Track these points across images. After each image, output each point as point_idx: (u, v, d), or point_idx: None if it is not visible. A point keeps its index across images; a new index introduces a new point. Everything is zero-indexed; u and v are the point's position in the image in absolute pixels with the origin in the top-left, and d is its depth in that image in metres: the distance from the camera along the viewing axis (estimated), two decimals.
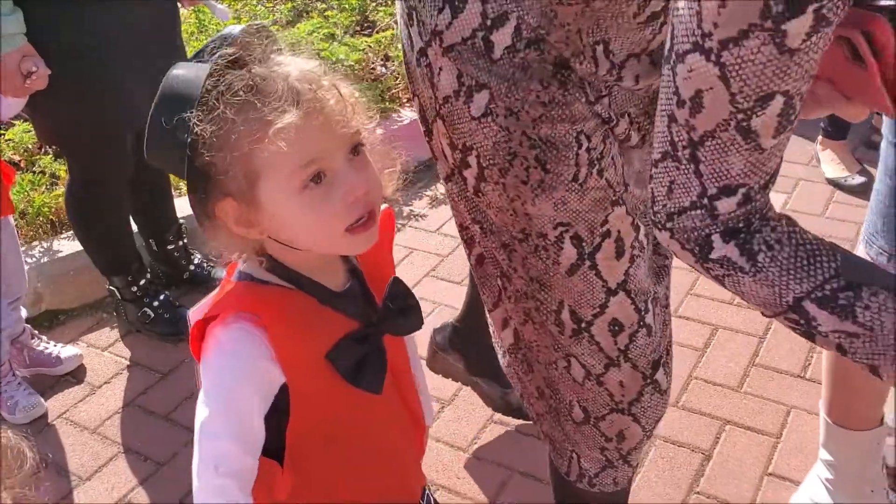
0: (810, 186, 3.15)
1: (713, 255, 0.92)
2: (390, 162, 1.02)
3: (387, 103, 3.58)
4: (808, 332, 0.91)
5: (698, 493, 1.94)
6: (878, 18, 0.84)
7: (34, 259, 2.65)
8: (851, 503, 1.74)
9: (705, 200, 0.89)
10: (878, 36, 0.85)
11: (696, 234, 0.92)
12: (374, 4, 4.15)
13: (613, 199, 1.17)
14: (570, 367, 1.29)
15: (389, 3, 4.14)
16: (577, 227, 1.16)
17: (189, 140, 0.89)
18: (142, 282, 2.52)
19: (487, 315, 1.42)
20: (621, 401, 1.30)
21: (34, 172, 2.98)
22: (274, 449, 0.98)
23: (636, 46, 1.10)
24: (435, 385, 2.29)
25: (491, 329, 1.51)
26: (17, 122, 3.09)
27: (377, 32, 3.97)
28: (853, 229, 2.83)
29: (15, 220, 2.76)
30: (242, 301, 0.95)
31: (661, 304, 1.31)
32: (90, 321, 2.65)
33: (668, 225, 0.93)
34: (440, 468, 2.05)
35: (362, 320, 1.00)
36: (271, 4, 4.17)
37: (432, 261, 2.89)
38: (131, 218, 2.57)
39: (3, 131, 3.07)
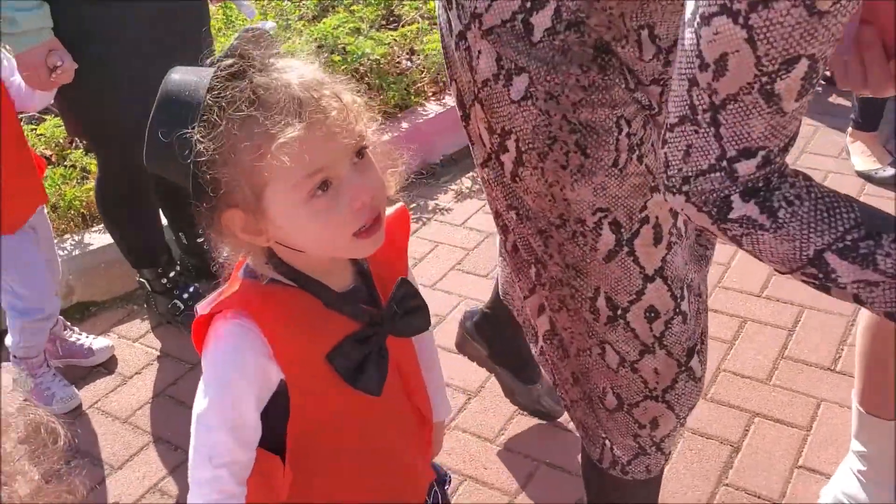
0: (840, 179, 3.11)
1: (732, 216, 0.92)
2: (392, 162, 1.00)
3: (412, 97, 3.59)
4: (825, 285, 0.92)
5: (727, 485, 1.93)
6: None
7: (66, 252, 2.68)
8: (883, 496, 1.73)
9: (724, 163, 0.90)
10: None
11: (714, 195, 0.92)
12: None
13: (652, 185, 1.16)
14: (605, 354, 1.28)
15: None
16: (616, 212, 1.16)
17: (190, 157, 0.88)
18: (171, 274, 2.55)
19: (522, 302, 1.42)
20: (655, 388, 1.29)
21: (65, 166, 3.02)
22: (276, 447, 0.99)
23: None
24: (462, 377, 2.30)
25: (520, 319, 1.51)
26: (47, 117, 3.14)
27: (403, 26, 3.98)
28: None
29: (47, 213, 2.81)
30: (246, 298, 0.96)
31: (695, 293, 1.31)
32: (121, 313, 2.68)
33: (684, 188, 0.93)
34: (467, 459, 2.06)
35: (365, 321, 1.00)
36: (298, 0, 4.19)
37: (458, 254, 2.89)
38: (160, 211, 2.59)
39: (34, 126, 3.11)
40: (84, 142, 2.95)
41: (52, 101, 2.20)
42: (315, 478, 1.02)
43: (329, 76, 0.94)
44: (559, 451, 2.05)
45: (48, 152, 3.11)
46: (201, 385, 0.97)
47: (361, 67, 3.58)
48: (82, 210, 2.87)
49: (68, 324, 2.46)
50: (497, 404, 2.22)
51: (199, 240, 2.69)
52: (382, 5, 4.08)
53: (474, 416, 2.19)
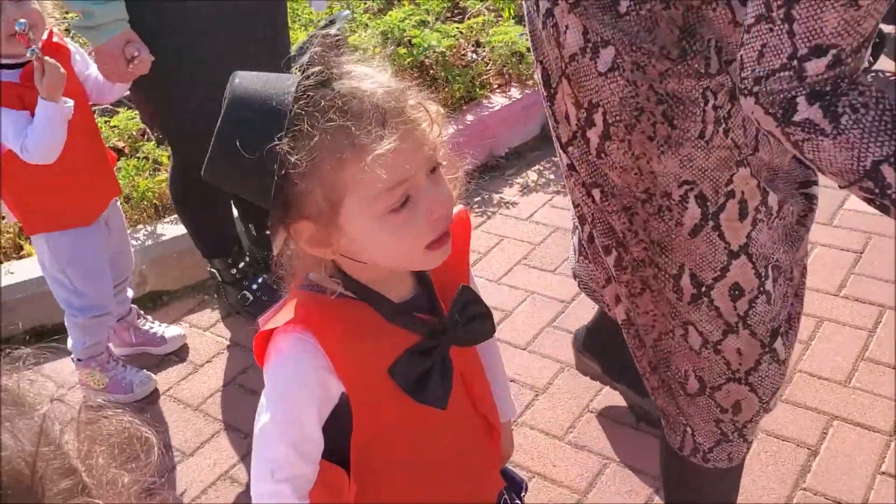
0: None
1: (796, 118, 0.91)
2: (454, 169, 0.98)
3: (477, 90, 3.57)
4: (883, 203, 0.90)
5: (805, 489, 1.88)
6: None
7: (139, 242, 2.74)
8: None
9: (794, 62, 0.89)
10: None
11: (781, 96, 0.92)
12: None
13: (739, 159, 1.15)
14: (688, 336, 1.27)
15: None
16: (702, 185, 1.15)
17: (279, 170, 0.84)
18: (241, 265, 2.58)
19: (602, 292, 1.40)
20: (738, 370, 1.27)
21: (138, 158, 3.08)
22: (341, 460, 0.98)
23: None
24: (530, 374, 2.29)
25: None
26: (120, 110, 3.20)
27: (468, 18, 3.96)
28: None
29: (120, 204, 2.87)
30: (305, 312, 0.94)
31: (786, 276, 1.28)
32: (192, 302, 2.73)
33: (755, 89, 0.93)
34: (535, 456, 2.04)
35: (426, 333, 0.97)
36: None
37: (524, 249, 2.87)
38: (232, 203, 2.63)
39: (107, 118, 3.18)
40: (157, 133, 3.01)
41: (128, 93, 2.24)
42: (381, 489, 1.00)
43: (403, 83, 0.91)
44: (629, 450, 2.02)
45: (121, 144, 3.18)
46: (263, 399, 0.96)
47: (427, 60, 3.58)
48: (154, 201, 2.92)
49: (142, 312, 2.51)
50: (565, 401, 2.19)
51: (269, 232, 2.72)
52: None
53: (543, 413, 2.17)
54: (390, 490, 1.01)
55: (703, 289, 1.22)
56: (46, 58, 1.85)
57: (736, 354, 1.26)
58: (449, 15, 4.04)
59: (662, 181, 1.16)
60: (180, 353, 2.50)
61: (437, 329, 0.98)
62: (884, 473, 1.89)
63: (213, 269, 2.62)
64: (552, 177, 3.28)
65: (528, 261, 2.80)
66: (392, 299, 0.97)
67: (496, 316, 2.53)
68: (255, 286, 2.58)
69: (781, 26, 0.89)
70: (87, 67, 2.12)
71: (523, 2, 1.26)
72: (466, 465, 1.09)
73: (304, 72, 0.86)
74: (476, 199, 3.18)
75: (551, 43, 1.19)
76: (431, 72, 3.58)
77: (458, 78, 3.52)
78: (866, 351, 2.25)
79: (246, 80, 0.91)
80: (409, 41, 3.57)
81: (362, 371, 0.94)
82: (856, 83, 0.90)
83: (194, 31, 2.14)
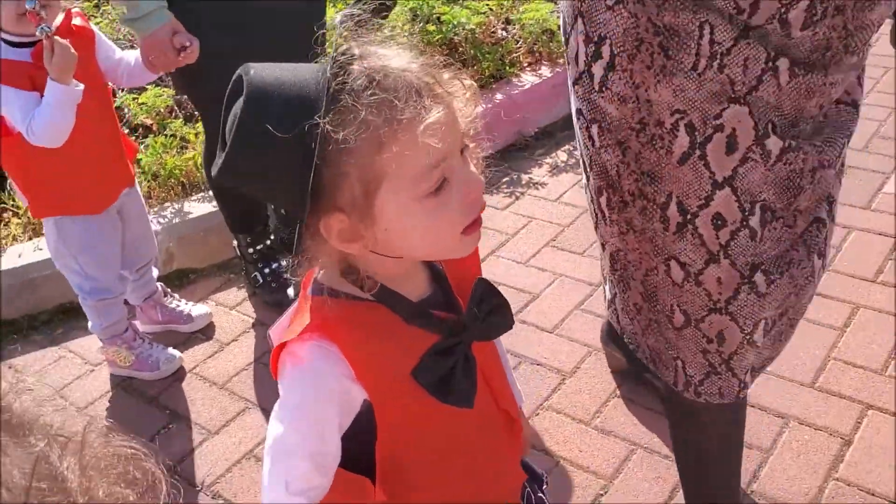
0: None
1: None
2: (478, 151, 0.94)
3: (507, 68, 3.52)
4: None
5: (837, 479, 1.84)
6: None
7: (166, 220, 2.74)
8: None
9: None
10: None
11: None
12: None
13: (732, 95, 1.18)
14: (670, 270, 1.32)
15: None
16: (692, 115, 1.20)
17: (319, 149, 0.80)
18: (260, 246, 2.57)
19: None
20: (718, 299, 1.31)
21: (165, 136, 3.08)
22: (363, 467, 0.95)
23: None
24: (557, 357, 2.26)
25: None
26: (149, 87, 3.20)
27: None
28: None
29: (148, 181, 2.87)
30: (322, 318, 0.90)
31: (785, 223, 1.30)
32: (218, 281, 2.73)
33: None
34: (561, 441, 2.01)
35: (445, 332, 0.94)
36: None
37: (552, 230, 2.83)
38: None
39: (136, 95, 3.18)
40: (187, 108, 3.00)
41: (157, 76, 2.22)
42: (412, 493, 0.98)
43: (435, 58, 0.88)
44: (657, 436, 1.99)
45: (149, 121, 3.17)
46: (277, 409, 0.92)
47: (456, 37, 3.53)
48: (182, 179, 2.92)
49: (168, 290, 2.51)
50: (593, 385, 2.16)
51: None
52: None
53: (569, 397, 2.14)
54: (422, 493, 0.99)
55: (689, 216, 1.27)
56: (57, 38, 1.82)
57: (716, 283, 1.30)
58: None
59: (657, 109, 1.22)
60: (206, 332, 2.50)
61: (458, 326, 0.95)
62: None
63: (235, 243, 2.62)
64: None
65: (557, 243, 2.77)
66: (410, 298, 0.94)
67: (523, 298, 2.53)
68: (267, 270, 2.57)
69: None
70: (114, 52, 2.10)
71: None
72: (493, 461, 1.06)
73: (336, 50, 0.83)
74: (504, 180, 3.15)
75: None
76: (460, 49, 3.53)
77: (487, 56, 3.48)
78: None
79: (266, 70, 0.86)
80: (439, 18, 3.53)
81: (385, 376, 0.91)
82: None
83: (232, 27, 2.10)
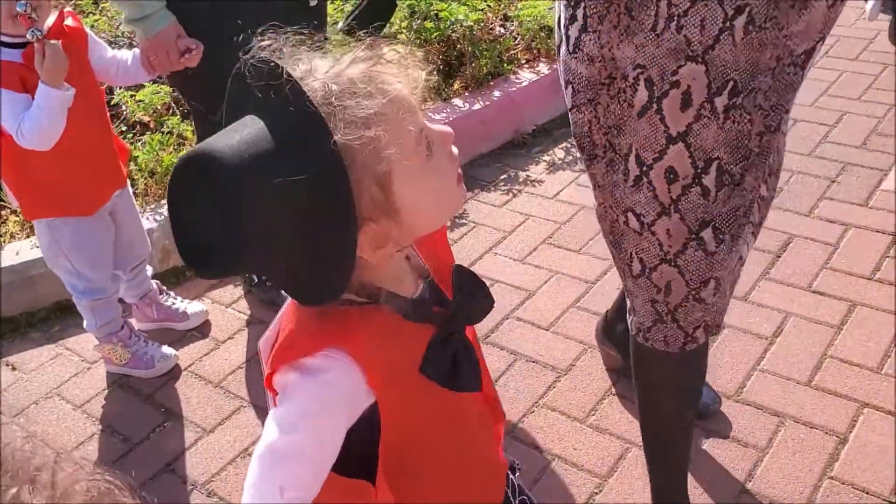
0: None
1: None
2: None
3: (505, 65, 3.51)
4: None
5: (832, 478, 1.84)
6: None
7: (163, 217, 2.73)
8: None
9: None
10: None
11: None
12: None
13: (690, 54, 1.24)
14: (629, 221, 1.41)
15: None
16: (651, 70, 1.27)
17: (338, 160, 0.80)
18: None
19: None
20: (668, 251, 1.39)
21: (162, 133, 3.07)
22: (357, 467, 0.94)
23: None
24: (552, 354, 2.25)
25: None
26: (146, 84, 3.19)
27: None
28: None
29: (144, 178, 2.87)
30: (324, 328, 0.89)
31: (744, 187, 1.34)
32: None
33: None
34: (556, 438, 2.01)
35: (441, 323, 0.95)
36: None
37: (549, 228, 2.83)
38: None
39: (133, 92, 3.17)
40: (182, 108, 2.99)
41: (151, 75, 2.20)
42: (420, 488, 0.98)
43: (367, 40, 0.89)
44: None
45: (146, 118, 3.17)
46: (279, 418, 0.90)
47: (454, 34, 3.52)
48: None
49: (164, 288, 2.51)
50: (588, 383, 2.16)
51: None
52: None
53: (564, 394, 2.14)
54: (430, 487, 0.99)
55: (644, 168, 1.34)
56: (48, 41, 1.81)
57: (666, 235, 1.37)
58: None
59: (621, 64, 1.30)
60: (202, 329, 2.49)
61: (450, 315, 0.96)
62: None
63: None
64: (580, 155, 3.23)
65: (554, 240, 2.76)
66: (406, 297, 0.95)
67: (519, 295, 2.53)
68: None
69: None
70: (107, 52, 2.09)
71: None
72: (486, 448, 1.08)
73: (287, 78, 0.82)
74: (502, 177, 3.14)
75: None
76: (458, 46, 3.53)
77: (485, 53, 3.47)
78: None
79: (230, 135, 0.83)
80: (437, 15, 3.52)
81: (395, 376, 0.91)
82: None
83: (225, 30, 2.09)
